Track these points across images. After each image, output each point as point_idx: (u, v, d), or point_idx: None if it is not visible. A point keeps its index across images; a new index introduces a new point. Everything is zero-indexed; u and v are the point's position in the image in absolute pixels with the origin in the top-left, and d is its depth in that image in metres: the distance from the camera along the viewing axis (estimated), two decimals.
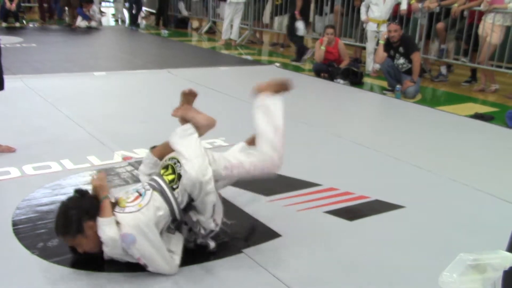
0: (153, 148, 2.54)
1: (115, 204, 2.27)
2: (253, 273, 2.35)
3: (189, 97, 2.59)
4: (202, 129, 2.46)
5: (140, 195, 2.27)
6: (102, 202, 2.24)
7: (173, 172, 2.33)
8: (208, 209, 2.32)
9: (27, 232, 2.61)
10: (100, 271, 2.30)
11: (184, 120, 2.47)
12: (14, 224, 2.69)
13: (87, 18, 12.13)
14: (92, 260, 2.37)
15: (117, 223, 2.18)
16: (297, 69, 8.31)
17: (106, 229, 2.16)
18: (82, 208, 2.20)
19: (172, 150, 2.41)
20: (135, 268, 2.30)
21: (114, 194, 2.37)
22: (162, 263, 2.24)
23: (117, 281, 2.25)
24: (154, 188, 2.29)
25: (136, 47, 10.45)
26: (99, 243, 2.21)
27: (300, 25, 8.74)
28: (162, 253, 2.23)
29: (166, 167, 2.38)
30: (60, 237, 2.24)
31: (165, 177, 2.33)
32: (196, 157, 2.29)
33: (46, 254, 2.41)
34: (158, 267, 2.24)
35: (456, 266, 1.39)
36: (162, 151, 2.48)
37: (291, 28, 8.96)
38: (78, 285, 2.21)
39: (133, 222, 2.17)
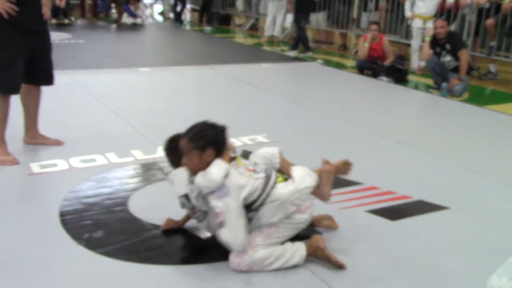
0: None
1: (233, 159, 2.41)
2: (294, 271, 2.34)
3: (343, 169, 2.61)
4: (318, 192, 2.51)
5: (255, 171, 2.39)
6: (226, 150, 2.39)
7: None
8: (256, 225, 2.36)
9: (74, 223, 2.68)
10: (145, 263, 2.35)
11: (318, 173, 2.51)
12: (62, 215, 2.77)
13: (133, 15, 12.37)
14: (137, 252, 2.42)
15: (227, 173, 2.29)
16: (340, 66, 8.23)
17: (218, 169, 2.27)
18: (217, 138, 2.36)
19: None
20: (183, 260, 2.34)
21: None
22: (239, 229, 2.25)
23: (165, 273, 2.29)
24: (266, 175, 2.38)
25: (179, 44, 10.60)
26: (201, 170, 2.30)
27: (288, 17, 9.83)
28: (242, 222, 2.27)
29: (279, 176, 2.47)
30: (184, 137, 2.36)
31: (279, 178, 2.42)
32: (300, 188, 2.38)
33: (91, 244, 2.48)
34: (233, 231, 2.24)
35: (506, 270, 1.34)
36: (283, 166, 2.54)
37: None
38: (123, 275, 2.27)
39: (238, 182, 2.28)
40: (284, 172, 2.51)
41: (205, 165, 2.31)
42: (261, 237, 2.32)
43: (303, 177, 2.43)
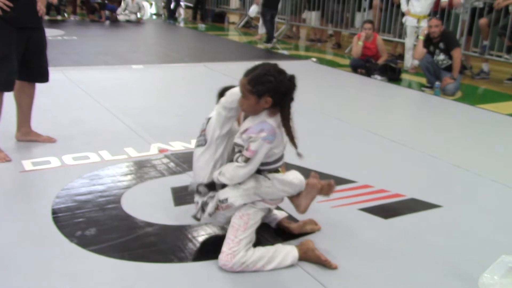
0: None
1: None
2: (286, 269, 2.34)
3: (326, 189, 2.53)
4: (295, 201, 2.47)
5: None
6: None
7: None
8: (224, 195, 2.34)
9: (66, 221, 2.67)
10: (138, 260, 2.34)
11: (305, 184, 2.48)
12: (54, 212, 2.76)
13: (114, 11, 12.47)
14: (130, 249, 2.42)
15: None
16: (334, 65, 8.24)
17: (271, 121, 2.24)
18: (278, 86, 2.22)
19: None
20: (175, 258, 2.34)
21: None
22: (249, 173, 2.28)
23: (158, 271, 2.28)
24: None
25: (173, 41, 10.57)
26: (254, 113, 2.28)
27: (253, 8, 10.53)
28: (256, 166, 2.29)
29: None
30: (244, 77, 2.25)
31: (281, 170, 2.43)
32: (285, 182, 2.37)
33: (84, 242, 2.47)
34: (250, 170, 2.26)
35: (497, 268, 1.35)
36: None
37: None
38: (115, 273, 2.26)
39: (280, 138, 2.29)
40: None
41: (260, 111, 2.26)
42: (240, 230, 2.30)
43: (291, 178, 2.40)
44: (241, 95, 2.27)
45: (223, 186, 2.36)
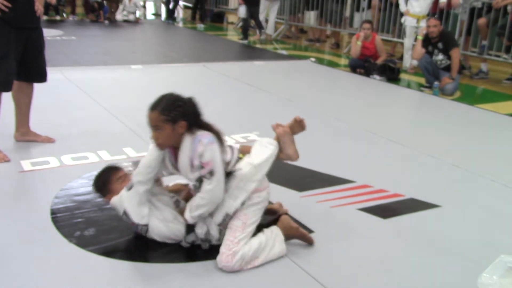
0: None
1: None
2: (285, 268, 2.34)
3: (297, 126, 2.59)
4: (284, 155, 2.54)
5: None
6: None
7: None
8: (220, 214, 2.35)
9: (65, 221, 2.67)
10: (137, 261, 2.34)
11: (277, 139, 2.55)
12: (53, 212, 2.76)
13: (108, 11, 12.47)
14: (129, 250, 2.42)
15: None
16: (333, 64, 8.24)
17: (196, 134, 2.28)
18: (187, 109, 2.30)
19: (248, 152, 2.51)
20: (175, 258, 2.34)
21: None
22: (222, 180, 2.29)
23: (157, 271, 2.28)
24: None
25: (172, 41, 10.57)
26: (172, 143, 2.31)
27: (241, 8, 10.49)
28: (224, 177, 2.30)
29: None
30: (153, 111, 2.28)
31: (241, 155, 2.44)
32: (257, 164, 2.38)
33: (83, 242, 2.47)
34: (220, 179, 2.28)
35: (496, 268, 1.35)
36: (243, 148, 2.57)
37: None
38: (114, 273, 2.26)
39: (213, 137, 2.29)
40: (245, 152, 2.51)
41: (178, 138, 2.29)
42: (238, 231, 2.32)
43: (259, 152, 2.43)
44: (153, 130, 2.29)
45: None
